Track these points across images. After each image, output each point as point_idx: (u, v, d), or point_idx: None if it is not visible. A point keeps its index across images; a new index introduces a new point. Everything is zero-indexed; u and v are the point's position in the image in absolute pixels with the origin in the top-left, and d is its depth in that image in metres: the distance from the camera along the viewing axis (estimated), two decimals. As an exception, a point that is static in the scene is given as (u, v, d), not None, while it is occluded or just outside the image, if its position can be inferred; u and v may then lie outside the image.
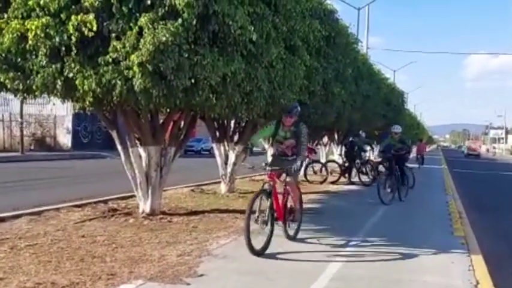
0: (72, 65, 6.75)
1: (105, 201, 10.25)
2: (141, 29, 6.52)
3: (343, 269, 6.00)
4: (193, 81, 6.89)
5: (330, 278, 5.62)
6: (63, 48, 6.71)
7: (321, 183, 16.60)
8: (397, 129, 13.27)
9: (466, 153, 71.03)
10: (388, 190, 12.29)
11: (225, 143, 13.15)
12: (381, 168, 16.98)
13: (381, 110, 23.17)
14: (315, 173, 18.38)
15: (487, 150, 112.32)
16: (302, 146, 7.18)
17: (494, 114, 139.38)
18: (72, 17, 6.50)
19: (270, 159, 8.12)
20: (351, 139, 18.13)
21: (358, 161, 17.63)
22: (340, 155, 21.00)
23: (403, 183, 13.19)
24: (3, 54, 6.92)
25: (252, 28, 7.28)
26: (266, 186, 6.82)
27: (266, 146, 17.46)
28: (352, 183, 17.12)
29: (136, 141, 8.85)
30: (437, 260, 6.68)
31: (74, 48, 6.66)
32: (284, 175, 7.24)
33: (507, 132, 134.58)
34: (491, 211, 13.37)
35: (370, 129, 23.25)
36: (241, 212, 9.64)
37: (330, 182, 17.05)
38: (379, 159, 14.63)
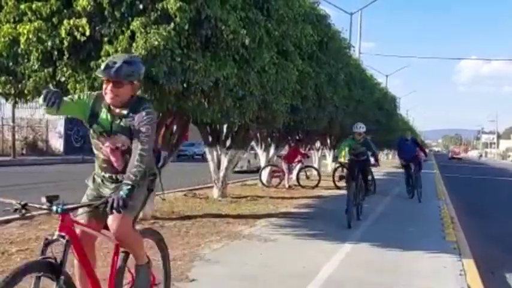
0: (65, 69, 6.73)
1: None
2: (133, 33, 6.51)
3: (336, 273, 6.01)
4: (185, 85, 6.89)
5: (324, 281, 5.63)
6: (56, 53, 6.69)
7: (313, 188, 16.59)
8: (361, 128, 10.65)
9: (449, 156, 79.77)
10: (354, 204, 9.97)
11: (218, 148, 13.15)
12: None
13: (373, 114, 23.27)
14: (308, 177, 18.40)
15: (480, 155, 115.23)
16: (140, 151, 3.41)
17: (487, 119, 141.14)
18: (65, 21, 6.49)
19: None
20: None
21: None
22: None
23: (365, 196, 10.87)
24: (-5, 59, 6.90)
25: (245, 33, 7.29)
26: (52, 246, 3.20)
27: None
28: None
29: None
30: (429, 265, 6.70)
31: (66, 52, 6.65)
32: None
33: (499, 137, 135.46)
34: (482, 215, 13.43)
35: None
36: (234, 217, 9.67)
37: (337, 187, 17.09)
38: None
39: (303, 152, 18.50)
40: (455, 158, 77.00)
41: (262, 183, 16.43)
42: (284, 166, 16.86)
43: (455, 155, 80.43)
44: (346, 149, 10.60)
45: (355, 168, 10.30)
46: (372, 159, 10.91)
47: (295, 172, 17.61)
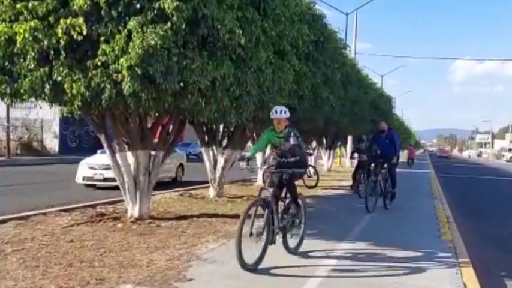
0: (61, 68, 6.71)
1: (93, 206, 10.19)
2: (130, 32, 6.50)
3: (333, 272, 6.02)
4: (182, 85, 6.89)
5: (321, 280, 5.64)
6: (52, 52, 6.68)
7: (313, 187, 16.51)
8: (280, 113, 6.72)
9: (438, 155, 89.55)
10: (254, 233, 5.93)
11: (214, 148, 13.14)
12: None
13: (369, 114, 23.31)
14: (309, 176, 18.42)
15: (478, 154, 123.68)
16: None
17: (481, 119, 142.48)
18: (61, 21, 6.47)
19: None
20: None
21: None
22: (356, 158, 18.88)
23: (296, 222, 6.89)
24: (-9, 58, 6.88)
25: (241, 32, 7.28)
26: None
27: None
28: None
29: (125, 146, 8.82)
30: (425, 264, 6.72)
31: (62, 51, 6.64)
32: None
33: (493, 137, 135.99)
34: (477, 214, 13.48)
35: (358, 134, 23.46)
36: (231, 216, 9.65)
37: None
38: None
39: (306, 151, 18.40)
40: (443, 156, 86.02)
41: (265, 183, 16.35)
42: None
43: (443, 154, 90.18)
44: (263, 144, 7.18)
45: (273, 176, 6.73)
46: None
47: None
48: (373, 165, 12.49)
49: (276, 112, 6.80)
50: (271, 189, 6.45)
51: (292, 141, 6.64)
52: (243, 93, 8.00)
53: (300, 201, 7.06)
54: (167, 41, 6.45)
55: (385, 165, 12.30)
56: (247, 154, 6.99)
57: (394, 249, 7.41)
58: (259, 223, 6.09)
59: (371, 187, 11.76)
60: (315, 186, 16.64)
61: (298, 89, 11.19)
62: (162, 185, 14.15)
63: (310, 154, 18.95)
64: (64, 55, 6.67)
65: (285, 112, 6.81)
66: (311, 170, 18.96)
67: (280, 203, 6.80)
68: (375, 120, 24.89)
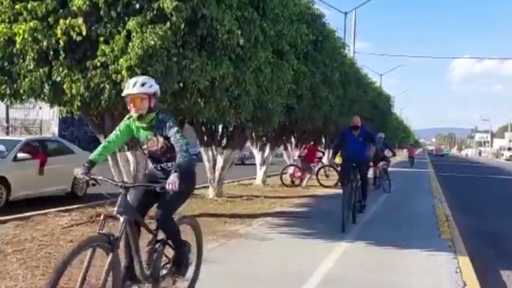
0: (60, 69, 6.73)
1: (93, 206, 10.19)
2: (129, 32, 6.52)
3: (332, 271, 6.03)
4: (181, 85, 6.91)
5: (320, 279, 5.65)
6: (51, 52, 6.71)
7: (331, 187, 16.56)
8: (137, 86, 3.97)
9: (434, 154, 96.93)
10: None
11: (213, 147, 13.14)
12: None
13: (368, 113, 23.34)
14: (327, 176, 18.60)
15: (479, 153, 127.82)
16: None
17: (480, 118, 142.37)
18: (60, 21, 6.50)
19: None
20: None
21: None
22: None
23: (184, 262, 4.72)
24: (-10, 59, 6.90)
25: (240, 32, 7.30)
26: None
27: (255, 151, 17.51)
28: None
29: (124, 146, 8.82)
30: (425, 263, 6.73)
31: (62, 52, 6.66)
32: None
33: (493, 136, 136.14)
34: (475, 214, 13.49)
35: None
36: (230, 216, 9.67)
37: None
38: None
39: (319, 150, 18.81)
40: (439, 154, 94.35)
41: (283, 183, 16.72)
42: (306, 166, 17.10)
43: (439, 152, 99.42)
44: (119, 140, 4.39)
45: (133, 195, 4.54)
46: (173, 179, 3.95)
47: (315, 170, 17.74)
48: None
49: (130, 85, 4.00)
50: (122, 218, 4.06)
51: (162, 134, 4.10)
52: (242, 93, 8.01)
53: (188, 227, 4.90)
54: (166, 41, 6.47)
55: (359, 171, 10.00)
56: (91, 156, 4.20)
57: (394, 248, 7.42)
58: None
59: (346, 200, 9.14)
60: (337, 184, 16.56)
61: (297, 89, 11.21)
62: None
63: (320, 158, 19.11)
64: (63, 55, 6.69)
65: (142, 84, 3.99)
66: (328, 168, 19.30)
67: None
68: (374, 119, 24.95)
